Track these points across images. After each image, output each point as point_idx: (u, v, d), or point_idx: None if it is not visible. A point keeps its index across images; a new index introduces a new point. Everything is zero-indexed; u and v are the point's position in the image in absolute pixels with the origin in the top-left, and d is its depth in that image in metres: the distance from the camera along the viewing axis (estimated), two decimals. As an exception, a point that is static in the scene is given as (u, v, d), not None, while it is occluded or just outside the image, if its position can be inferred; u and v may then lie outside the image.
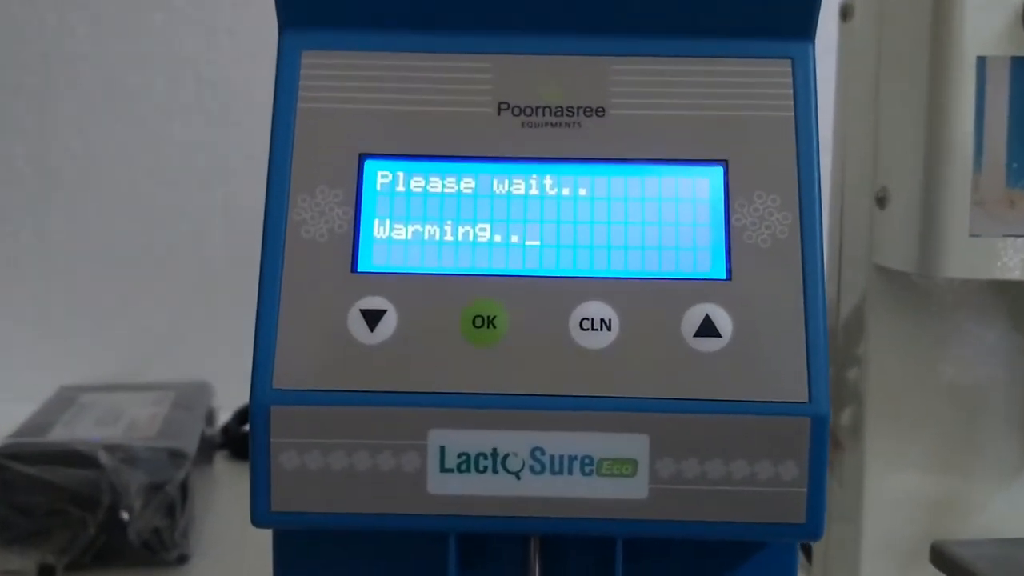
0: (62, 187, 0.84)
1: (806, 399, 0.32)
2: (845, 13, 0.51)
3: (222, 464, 0.75)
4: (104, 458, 0.58)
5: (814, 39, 0.35)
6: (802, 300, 0.33)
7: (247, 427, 0.76)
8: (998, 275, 0.40)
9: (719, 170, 0.34)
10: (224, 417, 0.77)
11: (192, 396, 0.73)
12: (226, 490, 0.70)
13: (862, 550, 0.49)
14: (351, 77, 0.35)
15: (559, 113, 0.35)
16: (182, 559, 0.58)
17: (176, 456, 0.60)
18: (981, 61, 0.39)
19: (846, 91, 0.51)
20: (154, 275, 0.84)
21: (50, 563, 0.55)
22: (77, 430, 0.64)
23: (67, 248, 0.84)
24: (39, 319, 0.84)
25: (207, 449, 0.70)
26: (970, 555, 0.43)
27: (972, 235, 0.40)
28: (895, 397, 0.48)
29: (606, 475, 0.32)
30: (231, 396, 0.75)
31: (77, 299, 0.84)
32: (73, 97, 0.83)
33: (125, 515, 0.57)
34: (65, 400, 0.71)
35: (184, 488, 0.59)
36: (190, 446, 0.62)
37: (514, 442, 0.32)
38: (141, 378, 0.81)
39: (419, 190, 0.35)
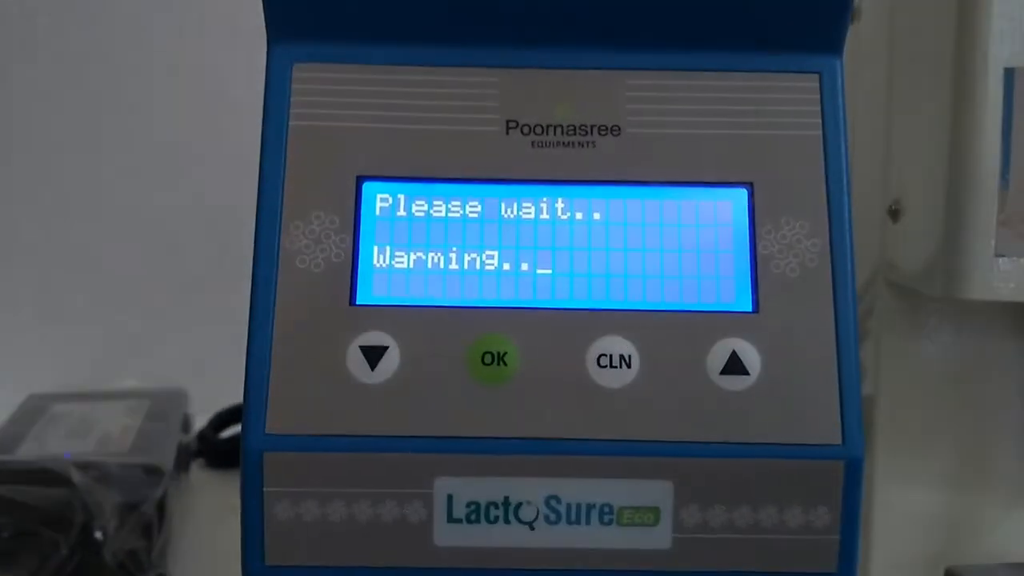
0: (28, 184, 0.80)
1: (839, 441, 0.30)
2: (852, 14, 0.49)
3: (199, 473, 0.72)
4: (76, 476, 0.55)
5: (842, 53, 0.33)
6: (834, 334, 0.31)
7: (224, 433, 0.74)
8: (1026, 298, 0.38)
9: (743, 193, 0.32)
10: (200, 423, 0.75)
11: (167, 404, 0.71)
12: (203, 501, 0.67)
13: (871, 569, 0.48)
14: (347, 92, 0.33)
15: (571, 132, 0.33)
16: (160, 579, 0.56)
17: (152, 473, 0.58)
18: (1009, 73, 0.38)
19: (853, 96, 0.49)
20: (127, 277, 0.81)
21: (21, 587, 0.53)
22: (48, 445, 0.61)
23: (37, 249, 0.81)
24: (6, 323, 0.81)
25: (183, 458, 0.68)
26: (986, 582, 0.42)
27: (997, 255, 0.38)
28: (906, 413, 0.47)
29: (627, 524, 0.30)
30: (208, 401, 0.72)
31: (46, 302, 0.81)
32: (38, 91, 0.79)
33: (99, 535, 0.54)
34: (35, 411, 0.69)
35: (161, 506, 0.57)
36: (166, 461, 0.60)
37: (527, 490, 0.30)
38: (115, 384, 0.78)
39: (421, 215, 0.32)
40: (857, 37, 0.49)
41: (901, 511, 0.47)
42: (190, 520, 0.64)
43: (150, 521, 0.56)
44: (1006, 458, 0.47)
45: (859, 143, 0.49)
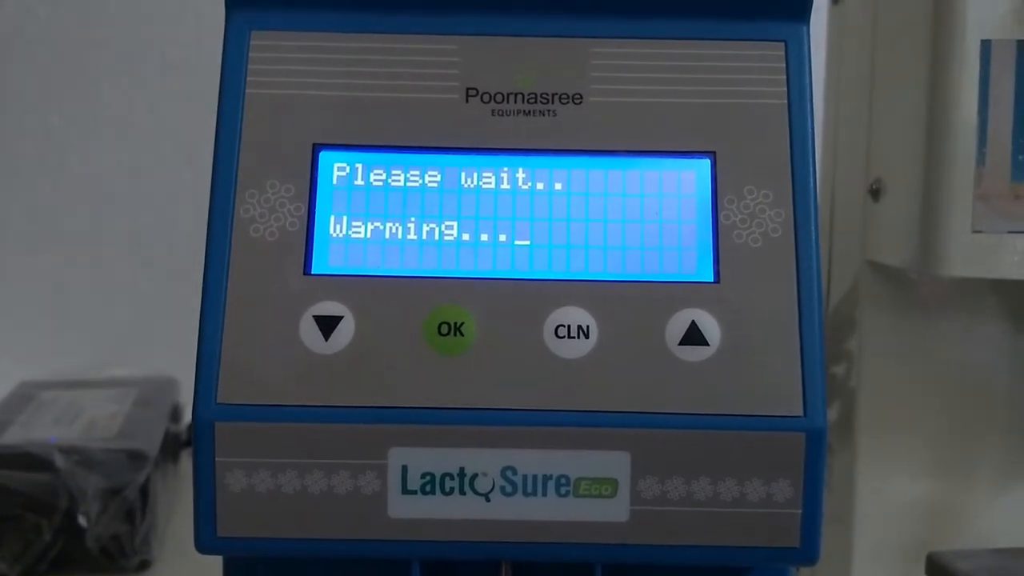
0: (22, 172, 0.81)
1: (801, 412, 0.30)
2: (836, -5, 0.49)
3: (189, 463, 0.72)
4: (60, 461, 0.55)
5: (809, 21, 0.33)
6: (796, 305, 0.30)
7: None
8: (1003, 274, 0.38)
9: (706, 163, 0.32)
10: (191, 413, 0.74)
11: (156, 393, 0.71)
12: (192, 491, 0.67)
13: (853, 555, 0.47)
14: (305, 60, 0.32)
15: (533, 100, 0.32)
16: (143, 566, 0.56)
17: (136, 458, 0.58)
18: (986, 45, 0.37)
19: (837, 76, 0.48)
20: (119, 264, 0.81)
21: (3, 572, 0.53)
22: (33, 430, 0.61)
23: (29, 237, 0.81)
24: (-1, 312, 0.81)
25: (172, 448, 0.67)
26: (967, 568, 0.41)
27: (975, 231, 0.38)
28: (888, 397, 0.47)
29: (584, 496, 0.30)
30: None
31: (39, 290, 0.81)
32: (34, 81, 0.79)
33: (83, 520, 0.54)
34: (23, 398, 0.69)
35: (145, 491, 0.57)
36: (151, 447, 0.60)
37: (483, 461, 0.30)
38: (106, 373, 0.78)
39: (379, 184, 0.32)
40: (841, 18, 0.48)
41: (884, 498, 0.47)
42: (178, 509, 0.63)
43: (133, 506, 0.56)
44: (989, 445, 0.47)
45: (843, 123, 0.48)
